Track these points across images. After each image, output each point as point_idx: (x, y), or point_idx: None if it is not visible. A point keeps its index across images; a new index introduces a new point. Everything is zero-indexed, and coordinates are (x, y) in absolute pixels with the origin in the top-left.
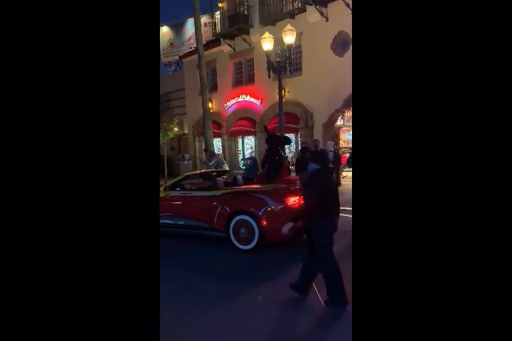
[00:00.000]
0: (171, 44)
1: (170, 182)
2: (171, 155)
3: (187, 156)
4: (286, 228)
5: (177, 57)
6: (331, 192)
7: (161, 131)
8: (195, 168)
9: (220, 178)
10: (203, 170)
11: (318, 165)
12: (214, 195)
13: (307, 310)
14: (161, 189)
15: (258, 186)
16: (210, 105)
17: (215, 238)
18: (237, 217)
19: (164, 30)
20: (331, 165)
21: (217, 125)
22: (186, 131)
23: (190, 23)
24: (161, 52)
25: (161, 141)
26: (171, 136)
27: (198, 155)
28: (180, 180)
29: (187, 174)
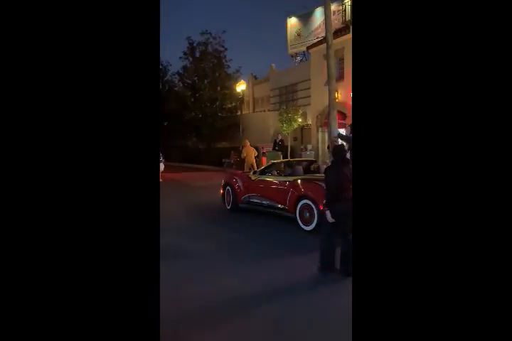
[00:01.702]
0: (298, 35)
1: (260, 168)
2: (293, 146)
3: (309, 147)
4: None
5: (304, 48)
6: (343, 181)
7: (286, 121)
8: (317, 158)
9: (300, 166)
10: (286, 160)
11: (334, 158)
12: (288, 181)
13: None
14: (252, 173)
15: None
16: (335, 95)
17: (287, 218)
18: (303, 201)
19: (292, 22)
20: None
21: (342, 115)
22: (309, 122)
23: (318, 12)
24: (288, 44)
25: (285, 132)
26: (295, 126)
27: (320, 145)
28: (268, 166)
29: (273, 161)
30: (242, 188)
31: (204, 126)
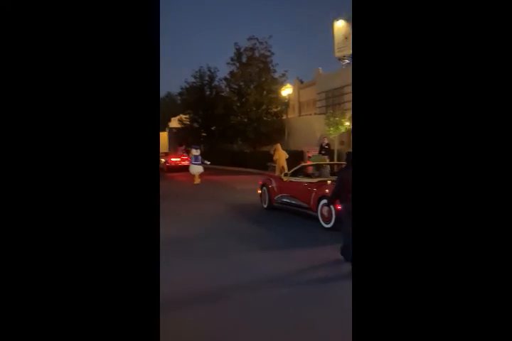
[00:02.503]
0: (346, 38)
1: (291, 170)
2: (340, 149)
3: None
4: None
5: (351, 51)
6: (347, 183)
7: (333, 125)
8: None
9: (327, 169)
10: (315, 163)
11: (346, 162)
12: (313, 182)
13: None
14: (283, 175)
15: None
16: None
17: (311, 216)
18: (323, 201)
19: (339, 25)
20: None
21: None
22: None
23: None
24: (335, 47)
25: (331, 136)
26: (342, 130)
27: None
28: (299, 168)
29: (303, 164)
30: (275, 189)
31: (249, 130)
